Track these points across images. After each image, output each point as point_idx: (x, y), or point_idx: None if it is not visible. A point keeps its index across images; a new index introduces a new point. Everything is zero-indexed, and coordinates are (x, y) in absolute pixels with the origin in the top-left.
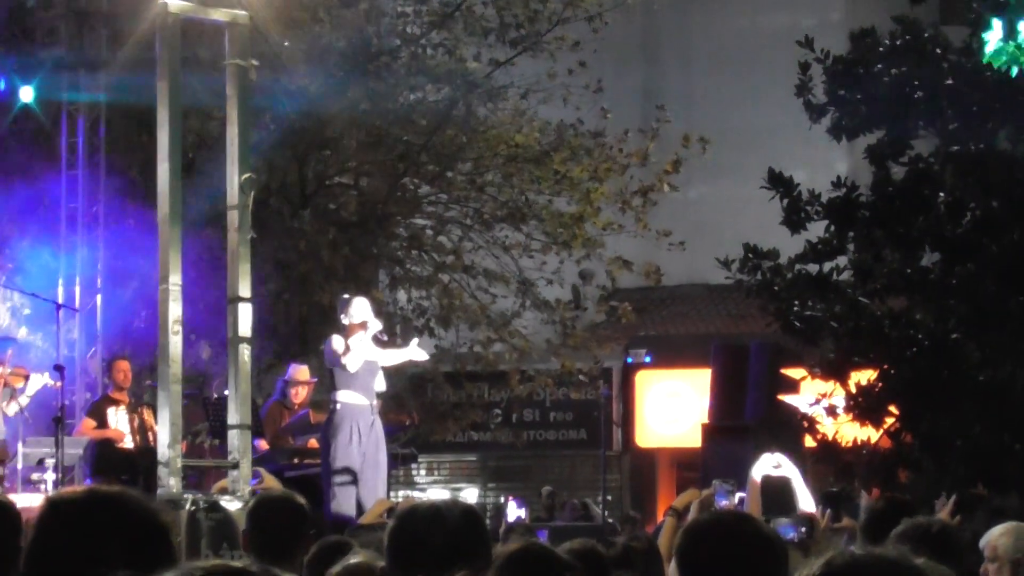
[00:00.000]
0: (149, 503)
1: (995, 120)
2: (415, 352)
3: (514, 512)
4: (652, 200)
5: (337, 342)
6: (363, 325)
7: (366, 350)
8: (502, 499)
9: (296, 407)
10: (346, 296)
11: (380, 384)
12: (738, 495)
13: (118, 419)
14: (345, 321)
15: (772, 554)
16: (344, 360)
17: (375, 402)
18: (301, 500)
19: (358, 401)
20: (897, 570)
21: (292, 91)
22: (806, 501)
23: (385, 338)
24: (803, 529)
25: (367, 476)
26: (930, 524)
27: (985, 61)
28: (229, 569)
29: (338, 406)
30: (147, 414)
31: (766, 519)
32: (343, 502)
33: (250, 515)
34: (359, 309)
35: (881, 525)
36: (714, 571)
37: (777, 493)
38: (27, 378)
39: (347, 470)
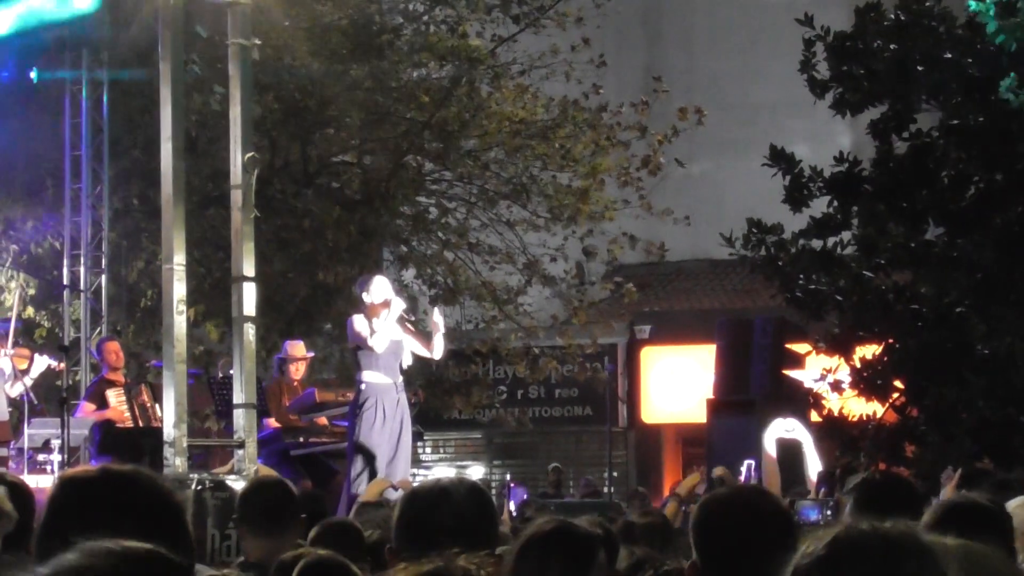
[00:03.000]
0: (163, 482)
1: (996, 91)
2: (437, 348)
3: (519, 497)
4: (653, 171)
5: (360, 323)
6: (386, 304)
7: (391, 329)
8: (508, 476)
9: (295, 383)
10: (363, 277)
11: (406, 360)
12: (746, 462)
13: (118, 400)
14: (367, 299)
15: (788, 530)
16: (371, 342)
17: (399, 380)
18: (290, 485)
19: (383, 381)
20: (906, 546)
21: (295, 70)
22: (815, 467)
23: (412, 318)
24: (828, 512)
25: (393, 454)
26: (968, 500)
27: (989, 38)
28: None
29: (363, 386)
30: (145, 393)
31: (786, 498)
32: (365, 481)
33: (241, 500)
34: (379, 288)
35: (879, 499)
36: (729, 545)
37: (789, 457)
38: (31, 359)
39: (371, 449)
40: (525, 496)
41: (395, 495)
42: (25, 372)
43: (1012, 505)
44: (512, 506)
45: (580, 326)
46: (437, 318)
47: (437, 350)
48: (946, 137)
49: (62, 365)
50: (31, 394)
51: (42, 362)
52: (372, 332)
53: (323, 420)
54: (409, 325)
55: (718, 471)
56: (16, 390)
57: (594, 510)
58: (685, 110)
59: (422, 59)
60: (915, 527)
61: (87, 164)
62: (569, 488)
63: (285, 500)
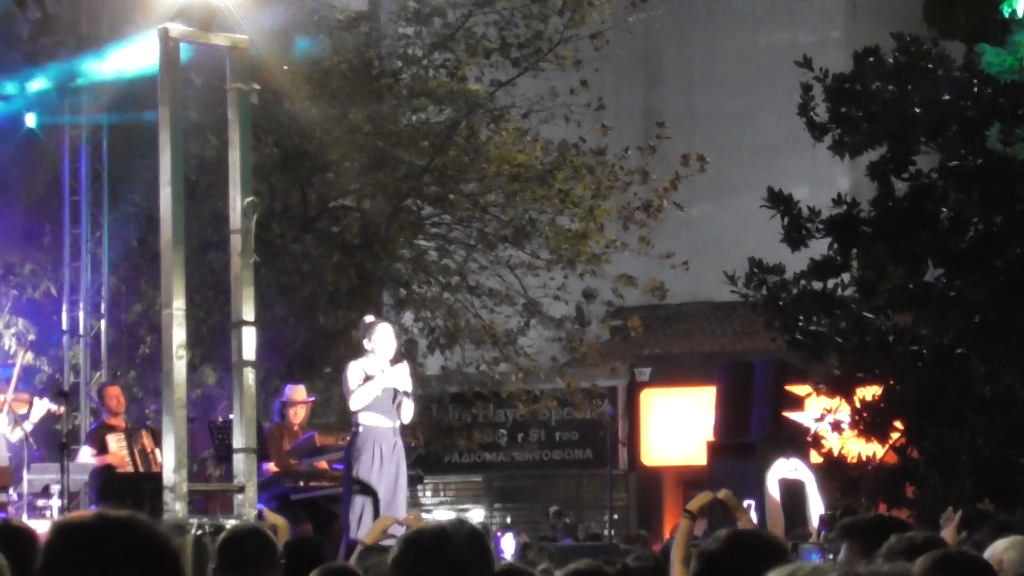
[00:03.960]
0: (158, 528)
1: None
2: (406, 412)
3: (510, 544)
4: (654, 216)
5: (353, 373)
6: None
7: (375, 388)
8: (508, 520)
9: (296, 427)
10: (370, 319)
11: (407, 414)
12: (745, 503)
13: (119, 445)
14: (367, 346)
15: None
16: (350, 401)
17: (397, 424)
18: (268, 533)
19: (380, 423)
20: None
21: (294, 114)
22: (817, 507)
23: (407, 392)
24: (830, 556)
25: (389, 498)
26: (914, 537)
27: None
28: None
29: (360, 429)
30: (146, 438)
31: (790, 540)
32: (365, 524)
33: (219, 550)
34: (381, 336)
35: (868, 542)
36: None
37: (792, 497)
38: (30, 404)
39: (369, 492)
40: (514, 541)
41: (400, 531)
42: (25, 417)
43: (1001, 546)
44: (500, 549)
45: (581, 367)
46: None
47: (406, 413)
48: (945, 179)
49: (62, 409)
50: (31, 439)
51: (42, 406)
52: (360, 383)
53: (323, 464)
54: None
55: (722, 494)
56: (16, 435)
57: (594, 554)
58: (688, 157)
59: (421, 103)
60: (910, 569)
61: (86, 209)
62: (576, 531)
63: (263, 547)
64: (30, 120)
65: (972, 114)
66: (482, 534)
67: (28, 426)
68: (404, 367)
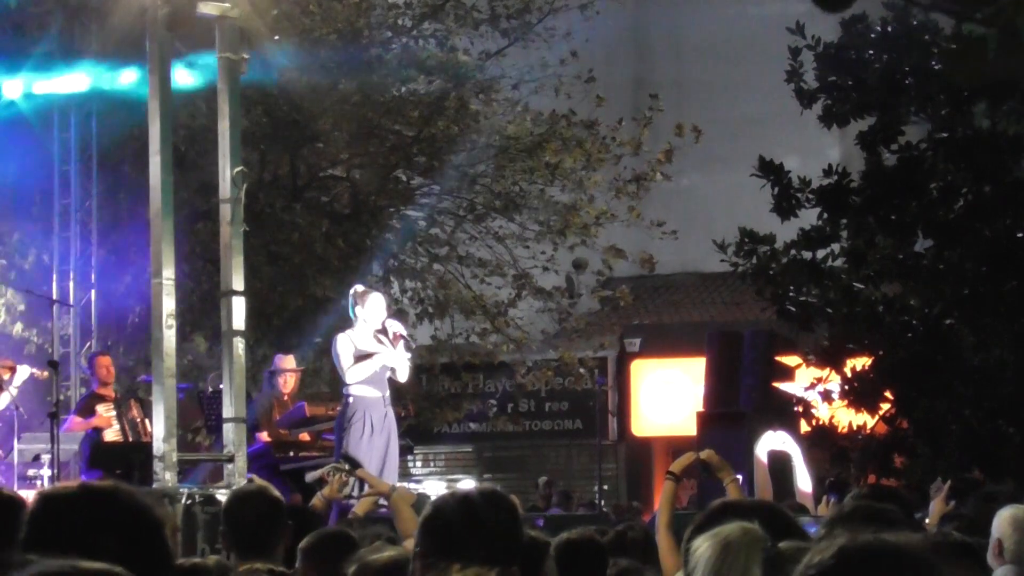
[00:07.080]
0: (142, 498)
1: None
2: (401, 371)
3: None
4: (645, 187)
5: (343, 346)
6: (383, 331)
7: (379, 361)
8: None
9: (285, 396)
10: (361, 288)
11: (402, 375)
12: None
13: (109, 415)
14: (360, 314)
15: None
16: (347, 377)
17: (387, 394)
18: (275, 493)
19: (371, 394)
20: (910, 556)
21: (283, 83)
22: (804, 479)
23: (412, 343)
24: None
25: (380, 469)
26: (948, 537)
27: None
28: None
29: (351, 399)
30: (135, 408)
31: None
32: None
33: (224, 512)
34: (374, 306)
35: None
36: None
37: (779, 469)
38: (13, 370)
39: (359, 463)
40: None
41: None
42: (8, 382)
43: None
44: None
45: (572, 339)
46: (398, 328)
47: (401, 373)
48: (935, 149)
49: (45, 373)
50: (20, 408)
51: (24, 371)
52: (354, 360)
53: (305, 436)
54: (402, 343)
55: (704, 454)
56: (3, 402)
57: (584, 523)
58: (682, 127)
59: (410, 74)
60: (921, 538)
61: (76, 179)
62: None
63: (271, 508)
64: (15, 91)
65: (962, 85)
66: (514, 503)
67: (13, 391)
68: (393, 322)
